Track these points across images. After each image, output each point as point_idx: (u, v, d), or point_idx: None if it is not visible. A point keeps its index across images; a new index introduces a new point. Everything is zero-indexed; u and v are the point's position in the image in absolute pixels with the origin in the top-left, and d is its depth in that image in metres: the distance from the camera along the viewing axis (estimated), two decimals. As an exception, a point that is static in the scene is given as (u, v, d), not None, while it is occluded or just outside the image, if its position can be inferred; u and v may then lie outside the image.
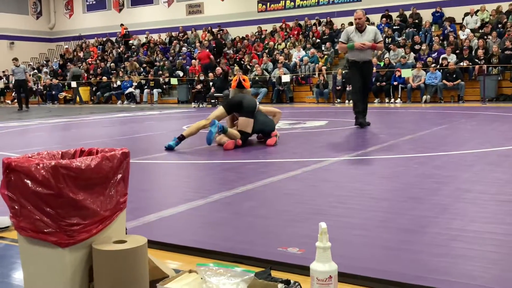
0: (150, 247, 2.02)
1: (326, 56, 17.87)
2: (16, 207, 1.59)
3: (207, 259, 2.05)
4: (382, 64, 16.27)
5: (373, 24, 19.11)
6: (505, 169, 3.93)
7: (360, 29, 7.55)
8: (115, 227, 1.70)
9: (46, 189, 1.54)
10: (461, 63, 15.07)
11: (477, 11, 17.45)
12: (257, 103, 6.09)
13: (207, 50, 19.86)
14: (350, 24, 19.47)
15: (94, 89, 22.00)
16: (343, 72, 15.56)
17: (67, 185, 1.55)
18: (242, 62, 19.35)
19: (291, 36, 20.18)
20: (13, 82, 19.00)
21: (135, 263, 1.60)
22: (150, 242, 2.12)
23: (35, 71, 25.24)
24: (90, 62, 24.08)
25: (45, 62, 26.42)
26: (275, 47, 19.78)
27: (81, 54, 25.63)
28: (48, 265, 1.60)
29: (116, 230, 1.71)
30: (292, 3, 21.64)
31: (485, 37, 16.05)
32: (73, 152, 1.83)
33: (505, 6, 17.09)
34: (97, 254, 1.59)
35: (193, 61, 20.14)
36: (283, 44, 19.70)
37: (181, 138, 5.69)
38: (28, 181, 1.55)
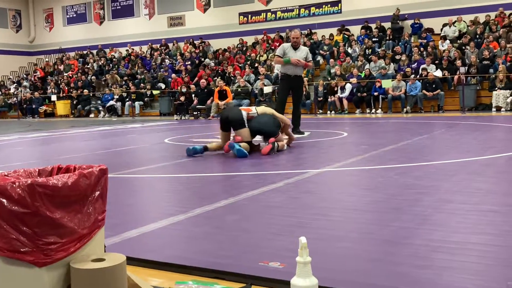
0: (130, 264, 1.99)
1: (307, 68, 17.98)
2: (-9, 227, 1.55)
3: (188, 276, 2.02)
4: (363, 75, 16.43)
5: (352, 35, 19.35)
6: (485, 178, 3.97)
7: (295, 47, 8.30)
8: (94, 245, 1.67)
9: (22, 208, 1.51)
10: (441, 73, 15.28)
11: (455, 22, 17.73)
12: (254, 109, 6.16)
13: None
14: (331, 35, 19.72)
15: (74, 102, 21.82)
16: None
17: (44, 203, 1.52)
18: (225, 72, 19.41)
19: (272, 47, 20.29)
20: None
21: (113, 282, 1.57)
22: (130, 259, 2.09)
23: (15, 84, 25.00)
24: (70, 75, 23.92)
25: (25, 75, 26.18)
26: (257, 58, 19.85)
27: (61, 67, 25.45)
28: (25, 285, 1.57)
29: (95, 248, 1.68)
30: (273, 15, 21.78)
31: (463, 47, 16.30)
32: (50, 169, 1.80)
33: (482, 17, 17.39)
34: (75, 273, 1.56)
35: (174, 75, 20.12)
36: (265, 55, 19.78)
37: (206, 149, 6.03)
38: (4, 200, 1.52)
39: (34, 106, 22.38)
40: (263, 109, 6.30)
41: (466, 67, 15.17)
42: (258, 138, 6.30)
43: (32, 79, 24.69)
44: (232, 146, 5.65)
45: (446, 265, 2.04)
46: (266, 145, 5.92)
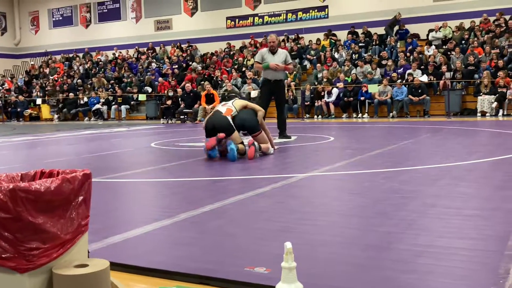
0: (114, 270, 1.98)
1: (294, 72, 18.05)
2: (-28, 232, 1.53)
3: (172, 281, 2.01)
4: (349, 79, 16.51)
5: (339, 40, 19.46)
6: (469, 183, 4.00)
7: (273, 51, 8.30)
8: (77, 250, 1.66)
9: (3, 213, 1.49)
10: (427, 78, 15.41)
11: (440, 27, 17.89)
12: (234, 108, 6.15)
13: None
14: (318, 40, 19.80)
15: (60, 106, 21.65)
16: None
17: (26, 208, 1.50)
18: (212, 76, 19.38)
19: (259, 52, 20.30)
20: None
21: (97, 287, 1.55)
22: (115, 264, 2.07)
23: (0, 87, 24.74)
24: (56, 78, 23.73)
25: (10, 78, 25.92)
26: (244, 63, 19.86)
27: (47, 71, 25.25)
28: (6, 292, 1.55)
29: (78, 253, 1.67)
30: (261, 19, 21.82)
31: (449, 53, 16.45)
32: (33, 174, 1.78)
33: (467, 23, 17.57)
34: (57, 279, 1.55)
35: (160, 78, 20.07)
36: (252, 60, 19.79)
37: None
38: (-15, 205, 1.49)
39: (18, 109, 22.17)
40: (239, 103, 6.30)
41: (452, 72, 15.32)
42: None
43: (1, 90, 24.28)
44: (230, 143, 5.69)
45: (431, 270, 2.05)
46: (248, 149, 5.92)
